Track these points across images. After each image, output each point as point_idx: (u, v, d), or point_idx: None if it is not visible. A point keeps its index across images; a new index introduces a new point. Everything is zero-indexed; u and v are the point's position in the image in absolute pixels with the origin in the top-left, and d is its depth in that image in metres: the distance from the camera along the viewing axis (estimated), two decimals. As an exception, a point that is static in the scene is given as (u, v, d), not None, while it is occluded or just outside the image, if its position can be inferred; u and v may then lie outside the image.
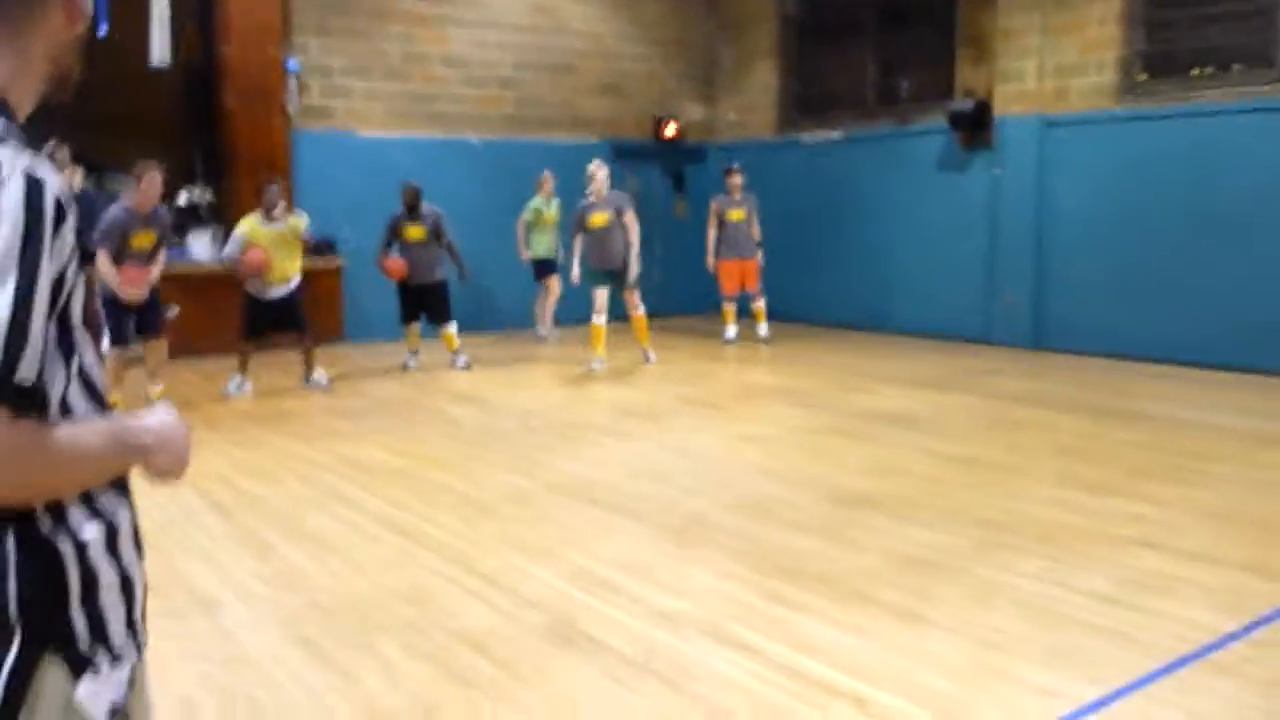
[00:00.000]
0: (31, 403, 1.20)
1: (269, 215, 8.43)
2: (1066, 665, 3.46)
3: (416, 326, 9.80)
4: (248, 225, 8.40)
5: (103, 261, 7.27)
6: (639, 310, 9.78)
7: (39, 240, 1.20)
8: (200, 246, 10.88)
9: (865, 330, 12.04)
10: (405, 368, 9.81)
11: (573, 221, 9.72)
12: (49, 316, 1.23)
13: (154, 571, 4.30)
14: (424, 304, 9.69)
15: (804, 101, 13.44)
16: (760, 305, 11.42)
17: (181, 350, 10.25)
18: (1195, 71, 9.43)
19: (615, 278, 9.59)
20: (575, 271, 9.60)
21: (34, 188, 1.21)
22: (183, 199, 11.41)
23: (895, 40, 12.29)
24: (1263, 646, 3.61)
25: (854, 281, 12.26)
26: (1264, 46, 8.97)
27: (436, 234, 9.52)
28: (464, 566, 4.51)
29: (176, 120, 12.02)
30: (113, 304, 7.54)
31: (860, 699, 3.24)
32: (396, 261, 9.44)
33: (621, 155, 12.75)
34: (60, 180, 1.26)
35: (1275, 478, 5.79)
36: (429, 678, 3.45)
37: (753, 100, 13.81)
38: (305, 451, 6.67)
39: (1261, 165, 8.81)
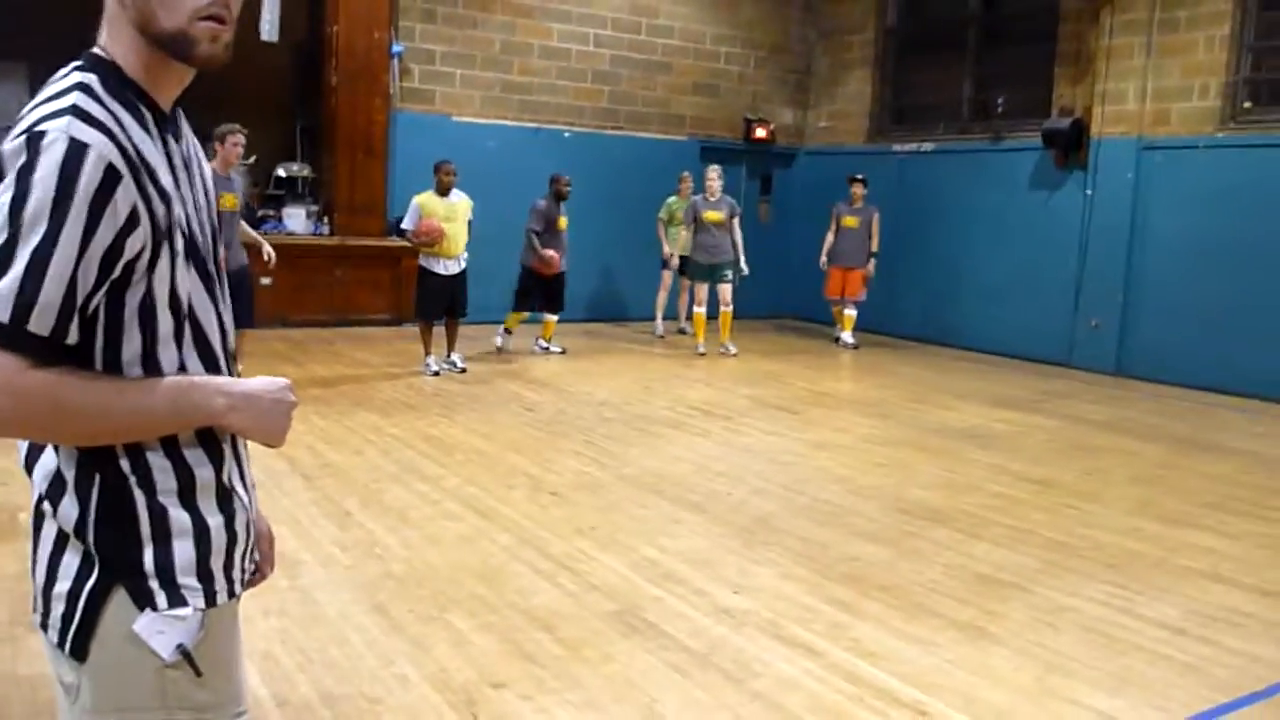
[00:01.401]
0: (53, 354, 1.28)
1: (442, 192, 8.62)
2: (1130, 692, 3.46)
3: (525, 314, 10.01)
4: (422, 197, 8.62)
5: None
6: (729, 306, 10.58)
7: (71, 202, 1.25)
8: (296, 219, 11.18)
9: (945, 345, 11.95)
10: (500, 350, 10.00)
11: (688, 216, 10.57)
12: (98, 279, 1.29)
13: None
14: (550, 293, 9.86)
15: (897, 112, 13.37)
16: (850, 313, 11.63)
17: (274, 320, 10.59)
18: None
19: (718, 273, 10.45)
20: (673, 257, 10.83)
21: (75, 151, 1.26)
22: (281, 172, 11.73)
23: (994, 55, 12.18)
24: (1333, 691, 3.56)
25: (936, 295, 12.17)
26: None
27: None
28: (535, 548, 4.63)
29: (281, 95, 12.36)
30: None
31: (921, 709, 3.28)
32: (555, 255, 9.61)
33: (710, 155, 12.80)
34: (113, 147, 1.29)
35: (1360, 523, 5.66)
36: (496, 651, 3.57)
37: (845, 108, 13.76)
38: (387, 426, 6.85)
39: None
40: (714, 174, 10.51)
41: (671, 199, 11.43)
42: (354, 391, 7.92)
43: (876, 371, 10.18)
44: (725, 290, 10.53)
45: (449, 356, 8.95)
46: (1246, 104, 9.58)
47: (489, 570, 4.34)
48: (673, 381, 9.12)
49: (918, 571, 4.55)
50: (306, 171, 11.85)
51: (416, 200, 8.61)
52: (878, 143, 13.25)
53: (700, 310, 10.63)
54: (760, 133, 13.62)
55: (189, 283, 1.44)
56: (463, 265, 8.75)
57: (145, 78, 1.41)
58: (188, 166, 1.49)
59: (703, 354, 10.39)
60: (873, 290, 11.66)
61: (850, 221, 11.46)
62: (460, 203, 8.68)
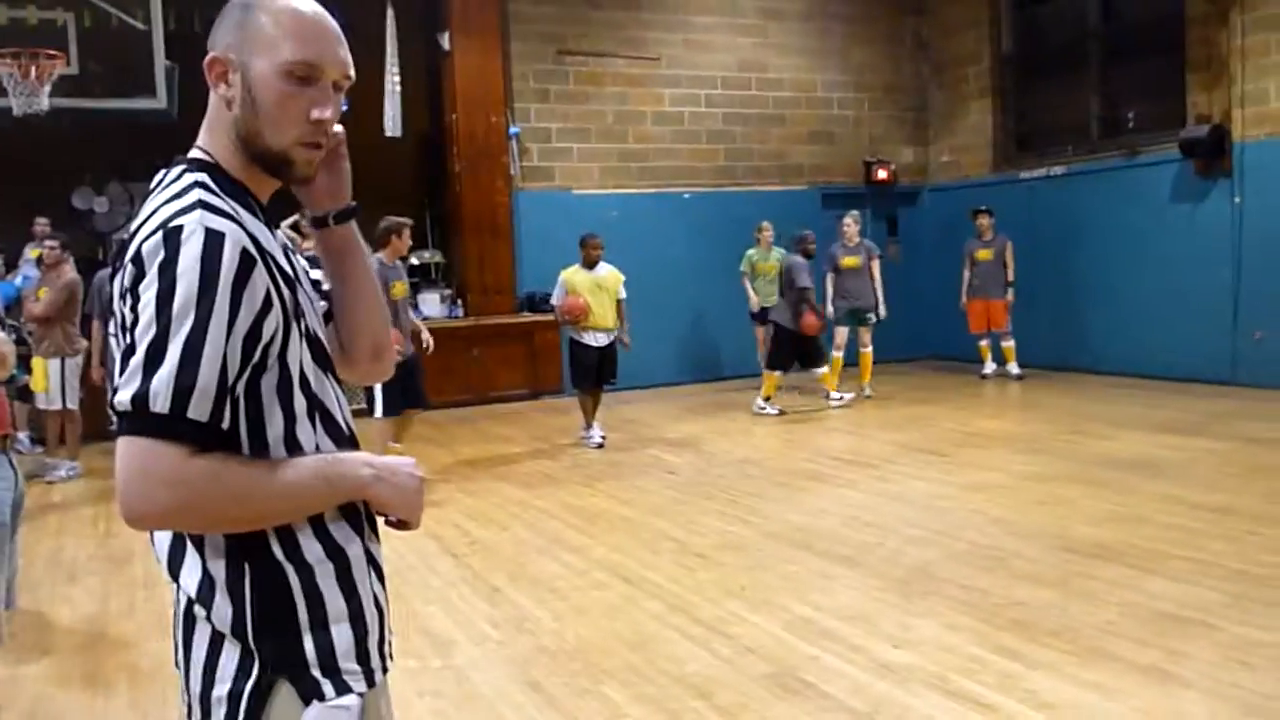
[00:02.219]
0: (211, 439, 1.30)
1: (588, 265, 8.71)
2: (1343, 734, 3.16)
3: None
4: (568, 273, 8.72)
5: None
6: (868, 348, 10.61)
7: (216, 289, 1.29)
8: (431, 304, 11.50)
9: (1094, 372, 11.42)
10: (763, 412, 9.88)
11: (826, 263, 10.53)
12: (243, 362, 1.32)
13: (392, 612, 4.49)
14: (804, 351, 9.79)
15: (1021, 138, 13.01)
16: (1008, 345, 11.41)
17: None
18: None
19: (858, 317, 10.49)
20: (829, 308, 10.38)
21: (213, 241, 1.31)
22: (414, 260, 12.10)
23: (1119, 69, 11.74)
24: None
25: (1081, 321, 11.68)
26: None
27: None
28: (685, 613, 4.54)
29: (408, 186, 12.81)
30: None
31: (1106, 762, 3.05)
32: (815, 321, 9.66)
33: (832, 202, 12.67)
34: (244, 235, 1.35)
35: None
36: (653, 723, 3.49)
37: (966, 140, 13.47)
38: (531, 499, 6.89)
39: None
40: (850, 220, 10.64)
41: (751, 251, 11.20)
42: (497, 468, 8.01)
43: (1024, 405, 9.80)
44: (865, 334, 10.58)
45: (589, 428, 8.92)
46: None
47: (640, 638, 4.28)
48: (815, 432, 8.95)
49: (1090, 613, 4.29)
50: (438, 257, 12.20)
51: (563, 275, 8.68)
52: (1004, 171, 12.90)
53: (838, 355, 10.55)
54: (881, 174, 13.44)
55: (311, 364, 1.47)
56: (611, 337, 8.72)
57: (245, 178, 1.49)
58: (288, 255, 1.53)
59: (841, 401, 10.18)
60: (1015, 320, 11.31)
61: (984, 255, 11.31)
62: (608, 275, 8.68)
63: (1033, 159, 12.60)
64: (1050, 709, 3.42)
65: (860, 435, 8.65)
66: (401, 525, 1.52)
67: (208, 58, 1.46)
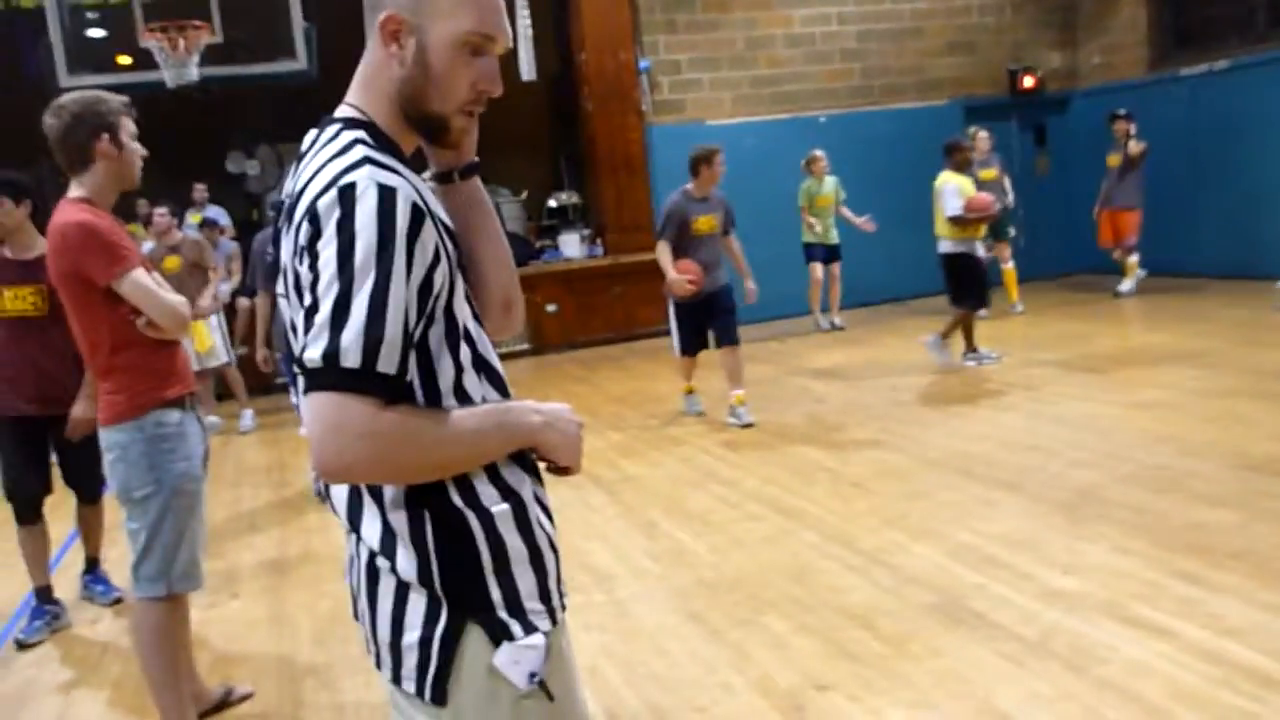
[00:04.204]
0: (399, 392, 1.32)
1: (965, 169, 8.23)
2: None
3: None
4: (959, 180, 7.98)
5: (662, 252, 6.81)
6: (1009, 263, 10.37)
7: (394, 243, 1.31)
8: (571, 245, 11.60)
9: (1258, 279, 10.75)
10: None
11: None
12: (419, 314, 1.34)
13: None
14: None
15: (1179, 33, 12.18)
16: (1132, 260, 10.73)
17: (563, 344, 11.06)
18: None
19: (996, 232, 9.92)
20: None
21: (386, 196, 1.32)
22: (552, 202, 12.22)
23: (1289, -50, 10.87)
24: None
25: (1245, 226, 10.94)
26: None
27: None
28: (844, 543, 4.51)
29: (542, 130, 12.89)
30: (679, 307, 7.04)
31: (1300, 688, 2.91)
32: None
33: (975, 114, 12.17)
34: (412, 189, 1.36)
35: None
36: (818, 653, 3.49)
37: (1119, 39, 12.70)
38: (680, 434, 6.92)
39: None
40: (979, 133, 10.34)
41: (807, 183, 10.52)
42: (645, 405, 8.07)
43: (1189, 317, 9.28)
44: (1004, 248, 10.31)
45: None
46: None
47: (799, 569, 4.27)
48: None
49: (1276, 534, 4.08)
50: (575, 199, 12.27)
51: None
52: (1161, 70, 12.14)
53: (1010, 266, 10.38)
54: (1028, 82, 12.82)
55: (470, 316, 1.49)
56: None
57: (396, 135, 1.51)
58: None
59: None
60: (1171, 228, 10.67)
61: (1114, 160, 10.60)
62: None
63: (1193, 54, 11.80)
64: (1236, 634, 3.28)
65: (1012, 355, 8.33)
66: (563, 471, 1.53)
67: (383, 15, 1.46)
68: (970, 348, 8.15)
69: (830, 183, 10.57)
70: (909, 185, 11.63)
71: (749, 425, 6.86)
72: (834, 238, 10.64)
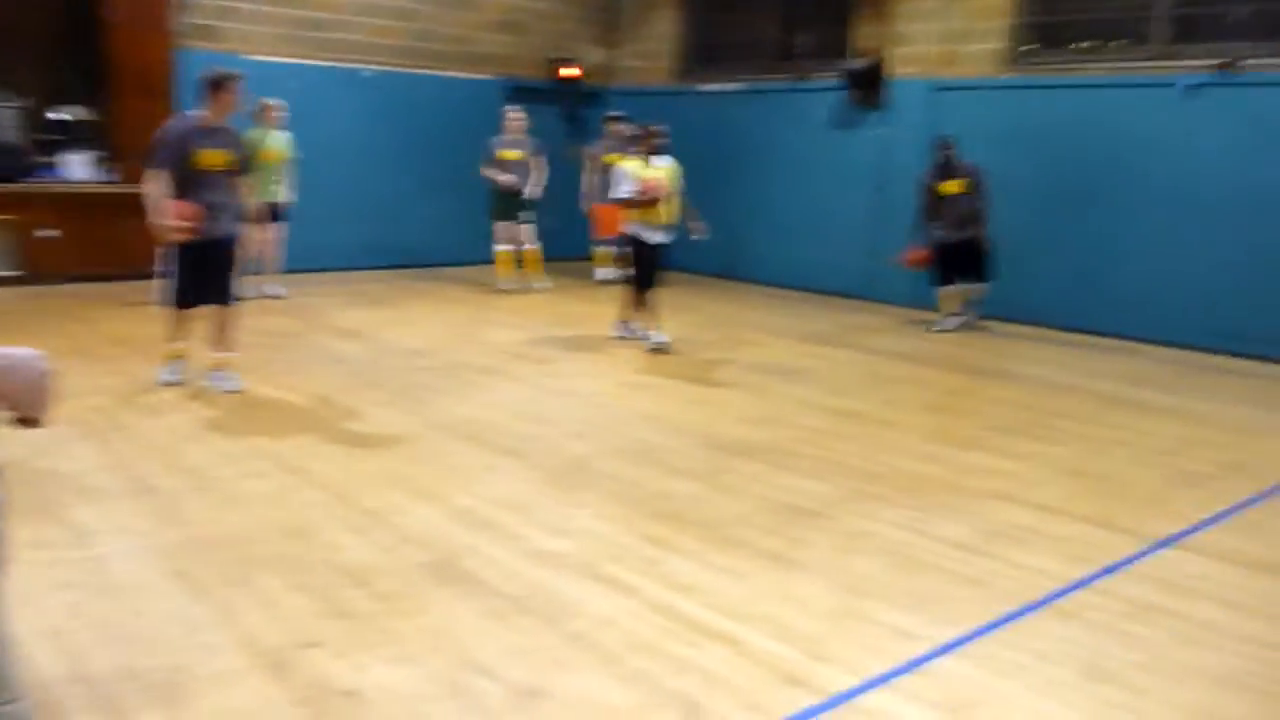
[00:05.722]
0: None
1: (651, 155, 8.08)
2: (925, 609, 3.67)
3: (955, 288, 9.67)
4: (633, 164, 8.07)
5: (151, 183, 6.04)
6: (533, 244, 10.91)
7: None
8: (78, 166, 10.43)
9: (749, 281, 12.25)
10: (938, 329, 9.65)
11: (485, 156, 10.57)
12: None
13: (25, 501, 4.19)
14: (968, 262, 9.47)
15: (703, 52, 13.46)
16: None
17: (58, 275, 9.93)
18: (1077, 45, 9.79)
19: (520, 209, 10.73)
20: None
21: None
22: (54, 115, 10.88)
23: (796, -4, 12.39)
24: (1102, 593, 3.88)
25: (743, 232, 12.40)
26: (1139, 24, 9.34)
27: (977, 187, 9.35)
28: (347, 503, 4.52)
29: (49, 34, 11.42)
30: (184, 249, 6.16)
31: (733, 639, 3.39)
32: (921, 252, 9.47)
33: (518, 95, 12.58)
34: None
35: (1122, 437, 6.14)
36: (310, 611, 3.48)
37: (653, 48, 13.77)
38: (184, 384, 6.52)
39: (1127, 138, 9.23)
40: (513, 112, 10.74)
41: (254, 130, 9.36)
42: (150, 348, 7.46)
43: (686, 309, 10.31)
44: (525, 230, 10.86)
45: (641, 331, 8.41)
46: (1029, 46, 10.07)
47: (298, 527, 4.22)
48: (486, 328, 9.02)
49: (729, 505, 4.69)
50: (87, 116, 11.02)
51: (625, 167, 8.07)
52: (685, 83, 13.33)
53: (505, 248, 10.86)
54: (566, 71, 13.46)
55: None
56: (673, 235, 8.42)
57: None
58: None
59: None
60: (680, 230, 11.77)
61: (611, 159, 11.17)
62: (668, 170, 8.13)
63: (713, 73, 13.09)
64: (686, 590, 3.74)
65: (527, 331, 8.77)
66: (29, 423, 1.41)
67: None
68: (624, 320, 8.59)
69: (281, 137, 9.83)
70: (447, 152, 11.81)
71: (234, 392, 6.29)
72: (276, 195, 9.73)
